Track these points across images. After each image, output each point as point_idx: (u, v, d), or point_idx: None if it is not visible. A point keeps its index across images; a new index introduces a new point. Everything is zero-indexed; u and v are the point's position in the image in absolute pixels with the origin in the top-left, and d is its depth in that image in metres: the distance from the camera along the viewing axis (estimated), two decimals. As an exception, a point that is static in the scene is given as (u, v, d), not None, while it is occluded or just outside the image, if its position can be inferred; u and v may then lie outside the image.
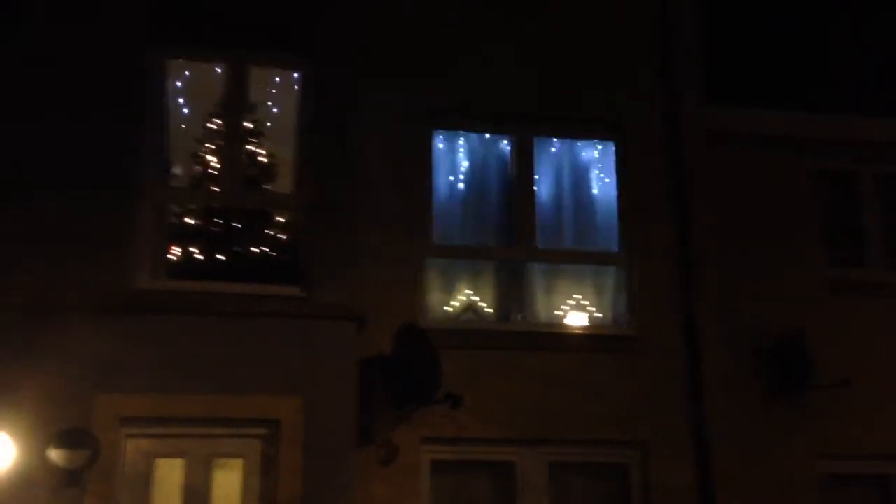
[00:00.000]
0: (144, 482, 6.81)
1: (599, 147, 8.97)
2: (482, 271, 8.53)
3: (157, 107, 7.76)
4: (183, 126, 8.42)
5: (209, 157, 8.43)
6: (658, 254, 8.51)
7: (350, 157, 7.77)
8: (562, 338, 8.28)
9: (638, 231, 8.58)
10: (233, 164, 7.88)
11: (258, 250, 8.12)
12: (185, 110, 8.38)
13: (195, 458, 6.92)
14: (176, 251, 8.00)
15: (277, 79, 8.42)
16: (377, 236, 7.92)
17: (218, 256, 7.97)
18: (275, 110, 8.52)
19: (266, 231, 8.30)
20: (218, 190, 8.16)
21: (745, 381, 8.40)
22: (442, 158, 8.65)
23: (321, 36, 7.99)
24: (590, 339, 8.33)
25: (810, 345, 8.38)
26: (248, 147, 8.31)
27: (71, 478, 6.50)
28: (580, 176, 8.93)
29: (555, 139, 8.90)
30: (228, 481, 6.94)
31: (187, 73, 8.21)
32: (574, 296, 8.58)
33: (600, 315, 8.58)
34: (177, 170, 8.45)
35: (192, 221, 8.23)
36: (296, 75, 8.25)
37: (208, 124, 8.48)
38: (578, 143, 8.96)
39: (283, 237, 8.26)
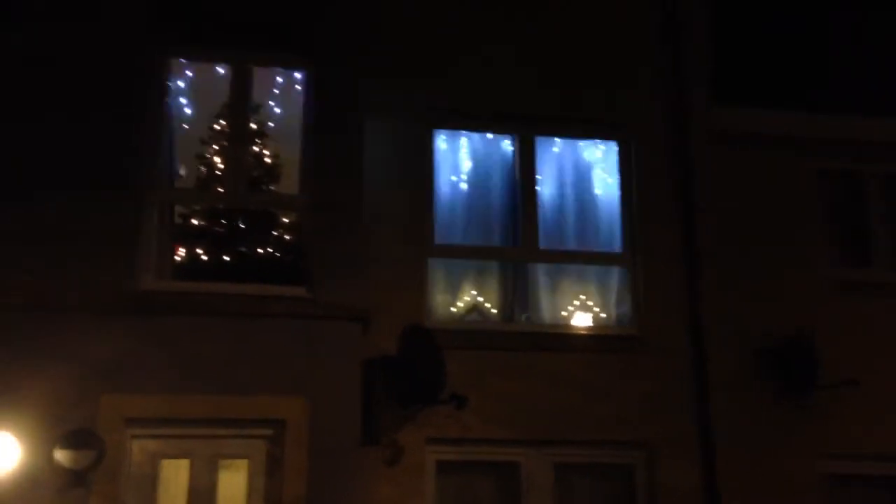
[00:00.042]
0: (150, 483, 6.81)
1: (602, 147, 8.98)
2: (486, 272, 8.54)
3: (160, 107, 7.75)
4: (187, 127, 8.45)
5: (214, 159, 8.46)
6: (662, 254, 8.51)
7: (354, 158, 7.76)
8: (566, 338, 8.28)
9: (642, 231, 8.59)
10: (237, 165, 7.88)
11: (263, 251, 8.15)
12: (189, 111, 8.40)
13: (200, 458, 6.92)
14: (181, 252, 8.01)
15: (280, 79, 8.43)
16: (381, 237, 7.92)
17: (223, 257, 8.00)
18: (278, 111, 8.56)
19: (271, 232, 8.32)
20: (222, 191, 8.17)
21: (750, 381, 8.38)
22: (445, 158, 8.66)
23: (322, 36, 7.99)
24: (594, 339, 8.34)
25: (815, 345, 8.37)
26: (253, 148, 8.32)
27: (76, 478, 6.49)
28: (583, 176, 8.93)
29: (557, 139, 8.90)
30: (234, 482, 6.92)
31: (190, 73, 8.22)
32: (578, 296, 8.59)
33: (605, 315, 8.59)
34: (182, 171, 8.47)
35: (196, 222, 8.25)
36: (298, 75, 8.26)
37: (213, 125, 8.51)
38: (581, 143, 8.97)
39: (288, 238, 8.29)
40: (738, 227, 8.79)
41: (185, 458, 6.91)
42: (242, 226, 8.25)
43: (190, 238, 8.14)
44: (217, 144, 8.49)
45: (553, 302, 8.52)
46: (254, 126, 8.33)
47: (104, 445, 6.57)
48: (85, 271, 7.02)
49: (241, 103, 7.95)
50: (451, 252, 8.42)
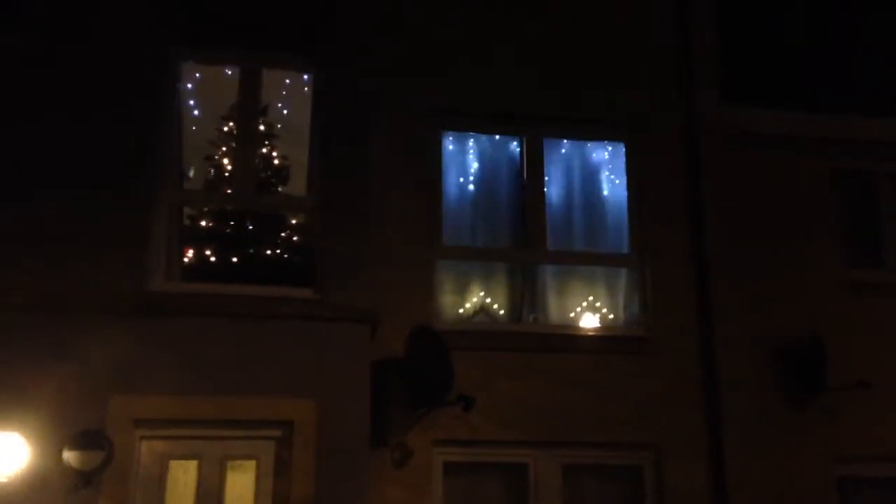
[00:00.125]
0: (158, 484, 6.83)
1: (610, 148, 8.96)
2: (494, 273, 8.54)
3: (169, 109, 7.78)
4: (195, 128, 8.47)
5: (222, 160, 8.48)
6: (671, 255, 8.49)
7: (362, 159, 7.77)
8: (574, 339, 8.28)
9: (650, 232, 8.56)
10: (246, 167, 7.90)
11: (271, 252, 8.17)
12: (198, 112, 8.43)
13: (209, 459, 6.93)
14: (189, 254, 8.04)
15: (288, 81, 8.45)
16: (389, 238, 7.93)
17: (231, 259, 8.02)
18: (286, 112, 8.57)
19: (279, 233, 8.34)
20: (231, 192, 8.20)
21: (760, 382, 8.34)
22: (453, 160, 8.67)
23: (329, 38, 8.00)
24: (602, 340, 8.32)
25: (827, 346, 8.31)
26: (261, 149, 8.34)
27: (85, 479, 6.52)
28: (591, 177, 8.93)
29: (565, 140, 8.90)
30: (242, 483, 6.93)
31: (198, 75, 8.25)
32: (586, 297, 8.58)
33: (613, 316, 8.57)
34: (190, 172, 8.50)
35: (205, 224, 8.28)
36: (306, 77, 8.28)
37: (221, 127, 8.53)
38: (589, 144, 8.96)
39: (296, 239, 8.30)
40: (748, 227, 8.75)
41: (194, 458, 6.92)
42: (251, 227, 8.28)
43: (198, 239, 8.17)
44: (225, 146, 8.51)
45: (561, 303, 8.52)
46: (262, 127, 8.35)
47: (113, 446, 6.60)
48: (94, 272, 7.06)
49: (249, 105, 7.97)
50: (460, 253, 8.43)
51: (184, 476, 6.90)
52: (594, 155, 8.98)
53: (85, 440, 6.55)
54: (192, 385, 6.89)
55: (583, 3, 9.00)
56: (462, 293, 8.40)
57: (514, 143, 8.81)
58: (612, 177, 8.91)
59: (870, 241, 9.31)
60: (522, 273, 8.52)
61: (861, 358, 8.47)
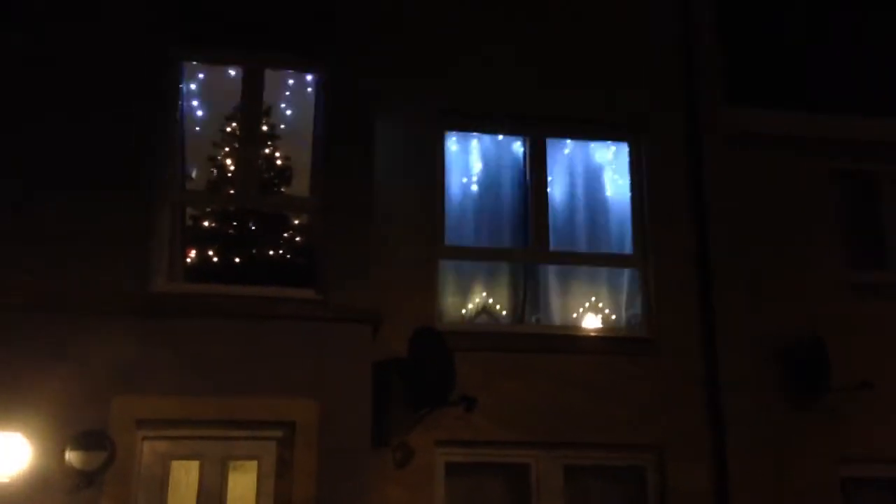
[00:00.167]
0: (160, 484, 6.83)
1: (613, 148, 8.96)
2: (496, 273, 8.53)
3: (170, 109, 7.77)
4: (198, 129, 8.46)
5: (225, 160, 8.47)
6: (673, 255, 8.49)
7: (364, 160, 7.77)
8: (577, 340, 8.28)
9: (653, 232, 8.56)
10: (248, 167, 7.89)
11: (274, 253, 8.16)
12: (200, 113, 8.42)
13: (211, 460, 6.93)
14: (192, 254, 8.03)
15: (291, 81, 8.44)
16: (391, 238, 7.93)
17: (234, 259, 8.01)
18: (289, 113, 8.57)
19: (281, 234, 8.33)
20: (234, 193, 8.19)
21: (763, 383, 8.33)
22: (455, 160, 8.66)
23: (329, 38, 7.99)
24: (605, 341, 8.32)
25: (829, 347, 8.31)
26: (264, 150, 8.34)
27: (87, 479, 6.53)
28: (594, 177, 8.93)
29: (568, 140, 8.90)
30: (244, 483, 6.94)
31: (201, 76, 8.25)
32: (589, 298, 8.57)
33: (615, 317, 8.57)
34: (193, 173, 8.50)
35: (207, 224, 8.28)
36: (308, 78, 8.28)
37: (224, 127, 8.53)
38: (592, 145, 8.96)
39: (299, 240, 8.29)
40: (750, 228, 8.75)
41: (196, 459, 6.93)
42: (253, 228, 8.27)
43: (201, 240, 8.16)
44: (228, 146, 8.51)
45: (563, 304, 8.51)
46: (265, 128, 8.34)
47: (115, 447, 6.60)
48: (95, 272, 7.06)
49: (252, 105, 7.96)
50: (462, 254, 8.43)
51: (185, 476, 6.90)
52: (597, 155, 8.98)
53: (87, 440, 6.56)
54: (194, 385, 6.89)
55: (583, 3, 9.01)
56: (464, 294, 8.40)
57: (517, 143, 8.81)
58: (616, 177, 8.91)
59: (870, 241, 9.31)
60: (524, 273, 8.52)
61: (862, 358, 8.47)
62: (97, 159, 7.36)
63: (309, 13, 8.03)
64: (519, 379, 7.87)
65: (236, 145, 8.23)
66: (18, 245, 7.07)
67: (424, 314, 7.83)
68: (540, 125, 8.74)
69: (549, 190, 8.67)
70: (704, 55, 9.07)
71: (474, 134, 8.77)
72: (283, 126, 8.54)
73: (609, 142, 8.95)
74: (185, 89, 8.07)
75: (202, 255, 8.06)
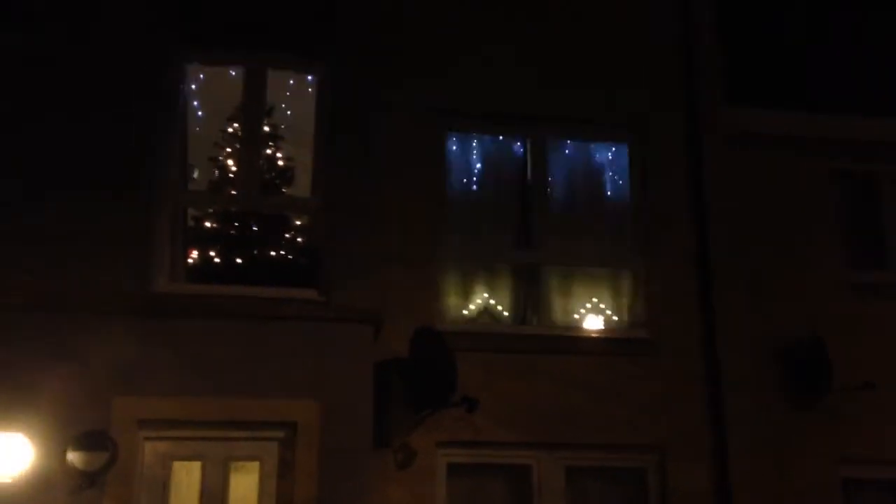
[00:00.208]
0: (162, 485, 6.82)
1: (614, 149, 8.96)
2: (497, 274, 8.52)
3: (171, 109, 7.77)
4: (200, 130, 8.46)
5: (227, 161, 8.47)
6: (674, 256, 8.49)
7: (365, 160, 7.77)
8: (578, 341, 8.27)
9: (653, 233, 8.56)
10: (250, 168, 7.90)
11: (275, 253, 8.16)
12: (201, 114, 8.41)
13: (212, 460, 6.91)
14: (194, 255, 8.03)
15: (292, 81, 8.45)
16: (393, 239, 7.92)
17: (235, 260, 8.01)
18: (291, 114, 8.56)
19: (283, 234, 8.33)
20: (235, 193, 8.19)
21: (764, 383, 8.33)
22: (456, 160, 8.66)
23: (329, 38, 8.00)
24: (606, 342, 8.32)
25: (830, 347, 8.31)
26: (266, 151, 8.33)
27: (89, 480, 6.51)
28: (594, 177, 8.91)
29: (568, 141, 8.89)
30: (245, 484, 6.92)
31: (202, 76, 8.25)
32: (590, 299, 8.57)
33: (616, 318, 8.57)
34: (194, 173, 8.49)
35: (209, 225, 8.27)
36: (310, 78, 8.28)
37: (226, 128, 8.52)
38: (592, 145, 8.95)
39: (300, 240, 8.29)
40: (750, 228, 8.74)
41: (197, 459, 6.91)
42: (255, 228, 8.27)
43: (202, 240, 8.16)
44: (230, 147, 8.50)
45: (564, 304, 8.50)
46: (267, 129, 8.34)
47: (117, 447, 6.58)
48: (95, 272, 7.08)
49: (254, 106, 7.96)
50: (463, 254, 8.41)
51: (187, 477, 6.89)
52: (597, 156, 8.97)
53: (89, 441, 6.54)
54: (195, 386, 6.88)
55: (583, 3, 9.00)
56: (465, 294, 8.38)
57: (518, 143, 8.81)
58: (616, 177, 8.91)
59: (870, 241, 9.31)
60: (525, 274, 8.51)
61: (862, 358, 8.46)
62: (97, 159, 7.38)
63: (309, 13, 8.03)
64: (520, 380, 7.86)
65: (238, 146, 8.22)
66: (18, 245, 7.08)
67: (426, 315, 7.82)
68: (540, 125, 8.74)
69: (549, 190, 8.67)
70: (704, 55, 9.07)
71: (474, 134, 8.76)
72: (284, 127, 8.55)
73: (609, 142, 8.94)
74: (185, 89, 8.07)
75: (204, 255, 8.06)
